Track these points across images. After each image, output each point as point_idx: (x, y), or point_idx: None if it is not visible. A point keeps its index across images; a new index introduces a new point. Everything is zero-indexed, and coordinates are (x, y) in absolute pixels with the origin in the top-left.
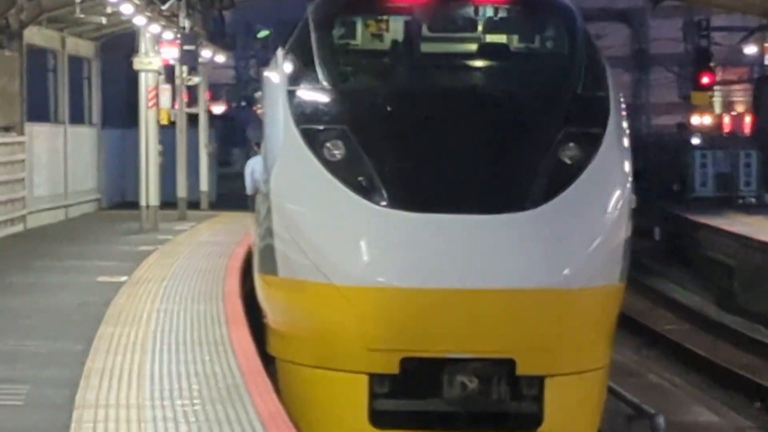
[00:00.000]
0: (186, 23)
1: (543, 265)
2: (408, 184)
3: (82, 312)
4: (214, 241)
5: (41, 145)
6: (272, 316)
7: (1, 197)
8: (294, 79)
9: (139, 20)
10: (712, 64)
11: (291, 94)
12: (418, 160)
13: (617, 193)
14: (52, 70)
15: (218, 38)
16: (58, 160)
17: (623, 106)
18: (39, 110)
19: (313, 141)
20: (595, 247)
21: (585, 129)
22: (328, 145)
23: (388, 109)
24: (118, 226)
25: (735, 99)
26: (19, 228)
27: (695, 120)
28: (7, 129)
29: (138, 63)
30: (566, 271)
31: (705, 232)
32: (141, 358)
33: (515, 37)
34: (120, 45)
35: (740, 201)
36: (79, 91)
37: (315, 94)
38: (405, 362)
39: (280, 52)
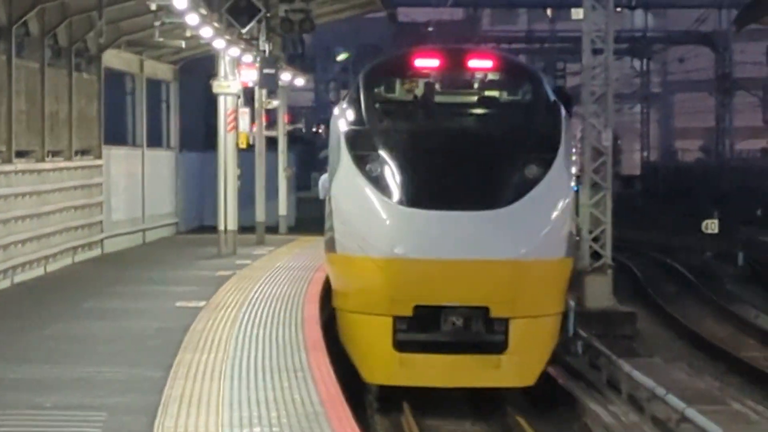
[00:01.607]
0: (266, 46)
1: (508, 244)
2: (420, 191)
3: (161, 338)
4: (292, 266)
5: (119, 169)
6: (333, 280)
7: (78, 221)
8: (349, 122)
9: (219, 43)
10: None
11: (347, 131)
12: (427, 175)
13: (563, 198)
14: (130, 93)
15: (298, 61)
16: (135, 183)
17: (572, 138)
18: (117, 133)
19: (360, 163)
20: (545, 233)
21: (541, 155)
22: (369, 165)
23: (409, 141)
24: (195, 251)
25: None
26: (96, 252)
27: None
28: (84, 152)
29: (217, 86)
30: (523, 249)
31: None
32: (220, 384)
33: (499, 93)
34: (198, 68)
35: None
36: (157, 114)
37: (361, 132)
38: (416, 308)
39: (341, 103)
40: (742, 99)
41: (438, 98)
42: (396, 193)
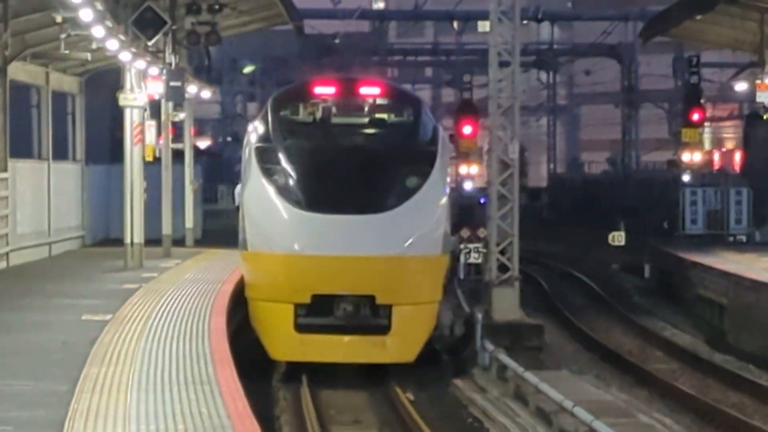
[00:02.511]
0: (172, 59)
1: (390, 242)
2: (318, 198)
3: (67, 351)
4: (199, 279)
5: (24, 182)
6: (245, 274)
7: None
8: (259, 139)
9: (125, 56)
10: (702, 101)
11: (257, 147)
12: (323, 184)
13: (438, 204)
14: (36, 106)
15: (204, 74)
16: (41, 196)
17: (447, 154)
18: (22, 146)
19: (267, 173)
20: (422, 233)
21: (420, 168)
22: (274, 176)
23: (309, 156)
24: (102, 264)
25: (725, 135)
26: (1, 266)
27: (686, 157)
28: None
29: (123, 99)
30: (403, 246)
31: (696, 270)
32: (126, 398)
33: (386, 115)
34: (105, 80)
35: (731, 239)
36: (63, 127)
37: (269, 148)
38: (314, 297)
39: (252, 123)
40: (648, 111)
41: (334, 120)
42: (297, 200)
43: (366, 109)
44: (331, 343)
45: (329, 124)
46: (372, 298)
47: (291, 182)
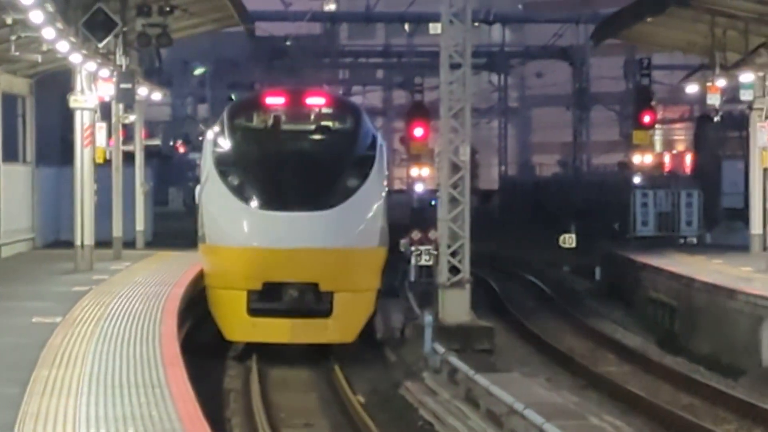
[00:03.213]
0: (122, 61)
1: (332, 236)
2: (268, 197)
3: (17, 354)
4: (150, 282)
5: None
6: (204, 264)
7: None
8: (216, 144)
9: (75, 58)
10: (653, 103)
11: (214, 151)
12: (273, 185)
13: (376, 203)
14: None
15: (155, 75)
16: None
17: (385, 159)
18: None
19: (223, 175)
20: (361, 228)
21: (360, 170)
22: (229, 177)
23: (261, 159)
24: (52, 266)
25: (676, 138)
26: None
27: (636, 159)
28: None
29: (74, 101)
30: (344, 240)
31: (646, 272)
32: (77, 401)
33: (331, 123)
34: (55, 82)
35: (682, 241)
36: (13, 128)
37: (225, 151)
38: (265, 284)
39: (211, 129)
40: (600, 113)
41: (284, 127)
42: (249, 199)
43: (312, 117)
44: (280, 325)
45: (279, 131)
46: (316, 285)
47: (244, 183)
